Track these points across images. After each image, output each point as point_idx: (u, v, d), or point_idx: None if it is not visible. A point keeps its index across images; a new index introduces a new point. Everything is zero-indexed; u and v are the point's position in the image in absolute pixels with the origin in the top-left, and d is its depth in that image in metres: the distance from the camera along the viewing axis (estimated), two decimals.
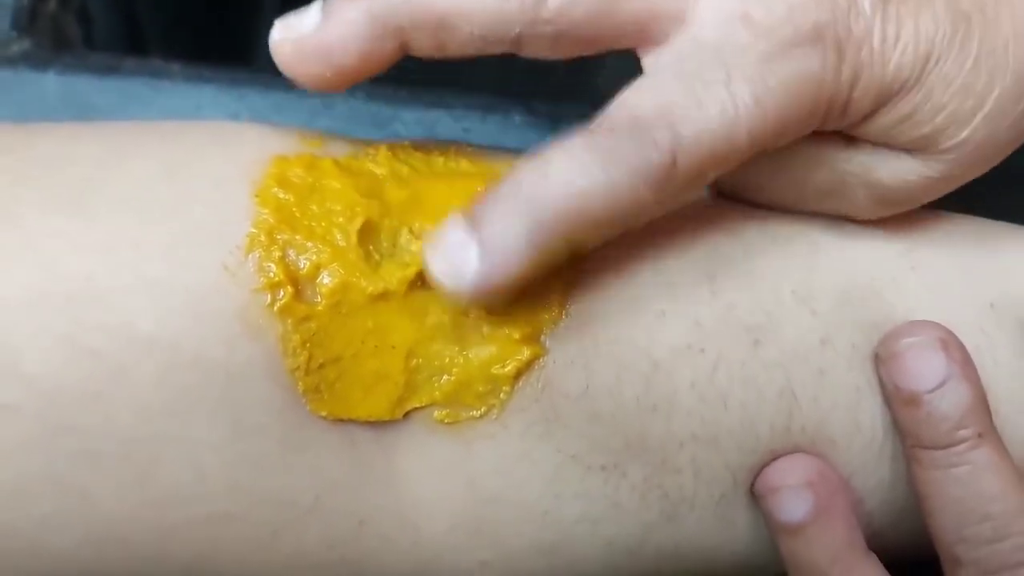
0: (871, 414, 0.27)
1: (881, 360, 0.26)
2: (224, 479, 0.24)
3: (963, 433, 0.25)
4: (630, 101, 0.24)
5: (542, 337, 0.25)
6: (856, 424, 0.27)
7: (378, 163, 0.26)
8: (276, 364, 0.24)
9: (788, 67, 0.24)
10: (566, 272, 0.26)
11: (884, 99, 0.25)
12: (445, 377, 0.25)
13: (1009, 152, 0.27)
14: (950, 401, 0.25)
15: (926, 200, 0.27)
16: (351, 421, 0.25)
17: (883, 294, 0.27)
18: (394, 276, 0.25)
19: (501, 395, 0.25)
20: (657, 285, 0.26)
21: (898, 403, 0.26)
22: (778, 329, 0.26)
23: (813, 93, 0.24)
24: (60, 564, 0.24)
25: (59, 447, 0.23)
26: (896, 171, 0.26)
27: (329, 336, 0.24)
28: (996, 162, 0.27)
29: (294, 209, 0.25)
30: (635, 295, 0.26)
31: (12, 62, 0.35)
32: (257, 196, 0.25)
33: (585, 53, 0.25)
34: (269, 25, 0.25)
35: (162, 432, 0.23)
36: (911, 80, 0.25)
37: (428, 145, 0.28)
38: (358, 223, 0.25)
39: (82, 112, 0.35)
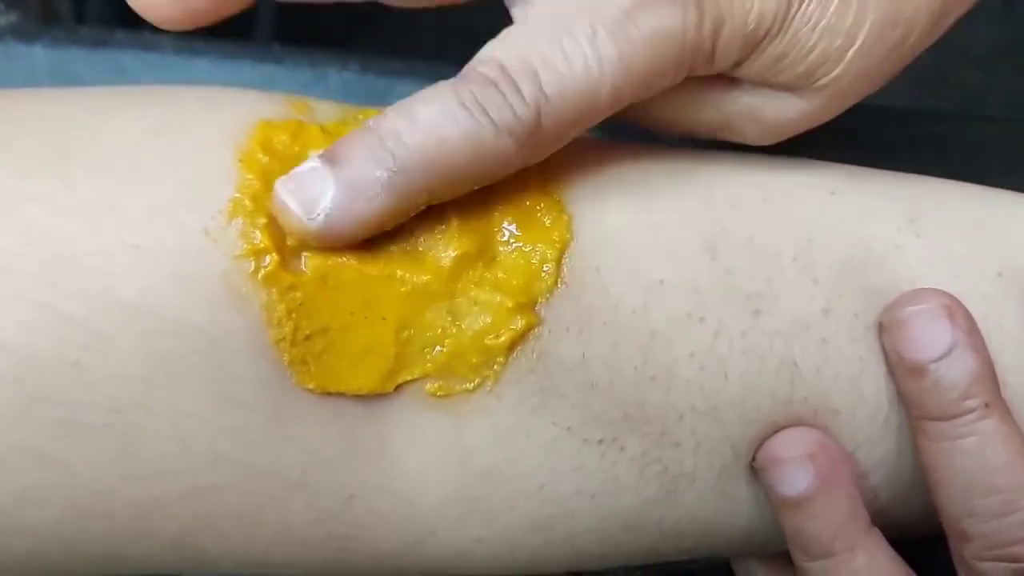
0: (875, 384, 0.26)
1: (885, 329, 0.26)
2: (209, 451, 0.23)
3: (970, 403, 0.25)
4: (498, 52, 0.24)
5: (537, 306, 0.25)
6: (860, 395, 0.26)
7: None
8: (260, 334, 0.23)
9: (649, 21, 0.24)
10: (560, 237, 0.25)
11: (751, 46, 0.25)
12: (437, 349, 0.24)
13: (893, 74, 0.27)
14: (956, 370, 0.25)
15: (812, 127, 0.28)
16: (339, 394, 0.24)
17: (887, 261, 0.27)
18: (383, 247, 0.24)
19: (495, 366, 0.25)
20: (656, 252, 0.25)
21: (903, 373, 0.25)
22: (779, 297, 0.26)
23: (676, 47, 0.24)
24: (41, 541, 0.24)
25: (38, 417, 0.22)
26: (778, 108, 0.27)
27: (316, 306, 0.24)
28: (880, 85, 0.28)
29: (279, 175, 0.24)
30: (634, 261, 0.25)
31: (0, 35, 0.34)
32: (242, 161, 0.24)
33: (444, 4, 0.26)
34: None
35: (144, 402, 0.23)
36: (775, 26, 0.25)
37: None
38: None
39: (71, 86, 0.34)
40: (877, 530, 0.26)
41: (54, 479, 0.23)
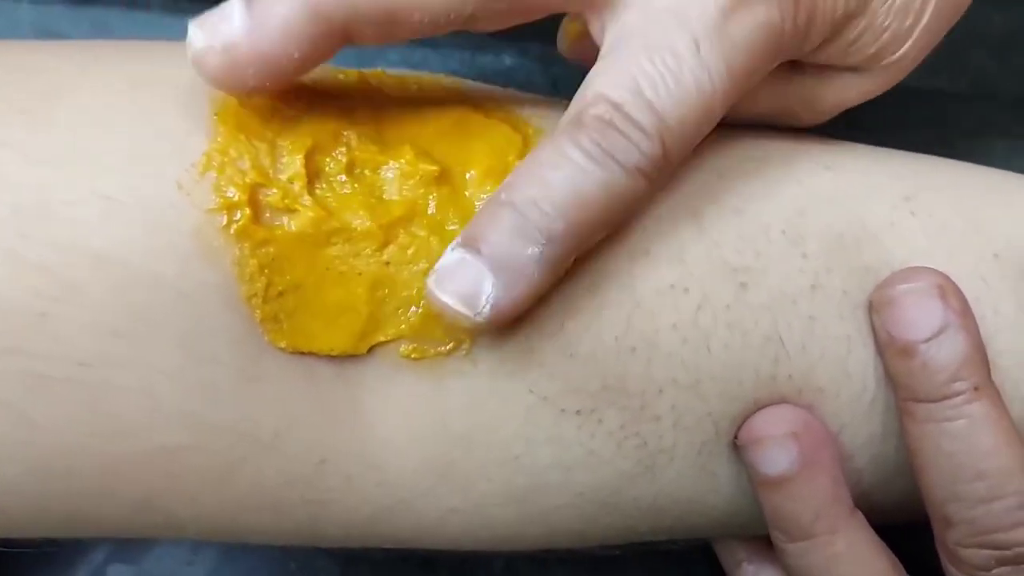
0: (862, 364, 0.25)
1: (875, 307, 0.25)
2: (177, 408, 0.23)
3: (959, 385, 0.24)
4: (603, 88, 0.23)
5: None
6: (846, 374, 0.25)
7: (348, 86, 0.25)
8: (232, 289, 0.23)
9: (748, 21, 0.23)
10: None
11: (835, 32, 0.25)
12: (413, 309, 0.24)
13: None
14: (946, 351, 0.24)
15: (858, 103, 0.28)
16: (312, 354, 0.23)
17: (880, 238, 0.26)
18: (360, 204, 0.24)
19: None
20: (641, 220, 0.25)
21: (891, 353, 0.25)
22: (766, 271, 0.25)
23: (775, 43, 0.24)
24: (3, 496, 0.23)
25: (4, 369, 0.22)
26: (839, 89, 0.27)
27: (290, 262, 0.23)
28: (926, 55, 0.28)
29: (256, 129, 0.23)
30: (618, 230, 0.25)
31: None
32: (218, 114, 0.23)
33: (535, 19, 0.25)
34: None
35: (113, 355, 0.22)
36: (858, 10, 0.25)
37: (404, 74, 0.26)
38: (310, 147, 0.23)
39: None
40: (860, 513, 0.25)
41: (18, 434, 0.22)
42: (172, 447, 0.23)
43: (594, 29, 0.25)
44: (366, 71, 0.26)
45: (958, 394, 0.24)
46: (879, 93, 0.28)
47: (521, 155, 0.25)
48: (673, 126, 0.22)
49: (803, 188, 0.26)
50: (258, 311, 0.23)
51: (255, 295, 0.23)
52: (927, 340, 0.24)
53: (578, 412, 0.25)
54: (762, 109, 0.28)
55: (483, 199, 0.24)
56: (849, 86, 0.27)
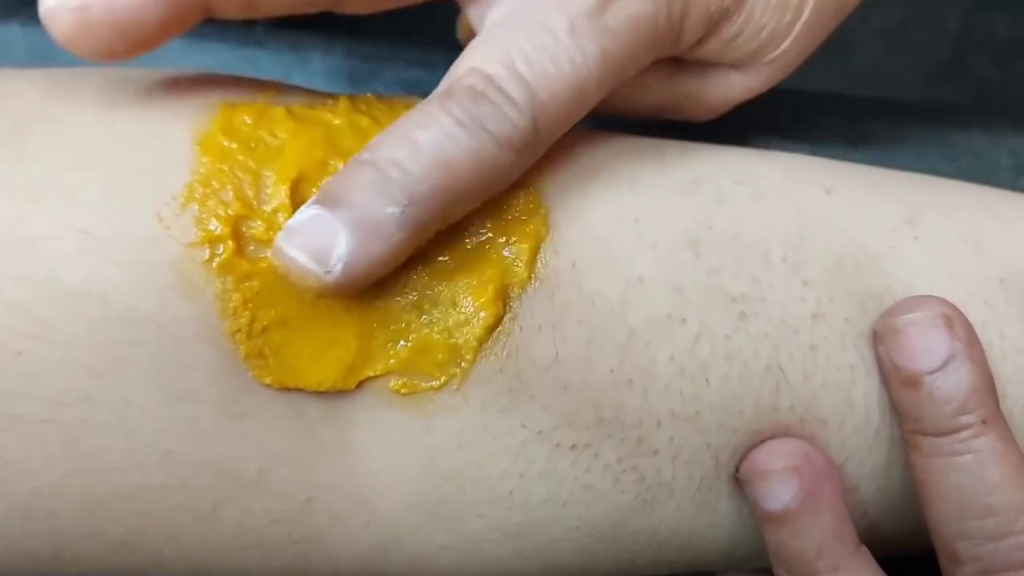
0: (866, 394, 0.25)
1: (879, 336, 0.24)
2: (157, 447, 0.22)
3: (966, 419, 0.23)
4: (478, 61, 0.22)
5: (508, 302, 0.23)
6: (850, 404, 0.25)
7: (336, 113, 0.24)
8: (213, 325, 0.22)
9: (623, 11, 0.23)
10: (535, 231, 0.24)
11: (711, 27, 0.26)
12: (402, 343, 0.23)
13: (823, 41, 0.28)
14: (953, 383, 0.23)
15: (744, 100, 0.29)
16: (298, 390, 0.23)
17: (882, 263, 0.25)
18: None
19: (462, 364, 0.23)
20: (637, 248, 0.24)
21: (896, 383, 0.24)
22: (766, 299, 0.24)
23: (649, 34, 0.24)
24: None
25: None
26: (724, 86, 0.28)
27: (275, 296, 0.22)
28: (811, 52, 0.29)
29: (239, 159, 0.23)
30: (612, 257, 0.24)
31: None
32: (200, 144, 0.23)
33: (401, 5, 0.25)
34: None
35: (89, 394, 0.22)
36: (734, 6, 0.25)
37: (394, 98, 0.26)
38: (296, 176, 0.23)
39: (47, 64, 0.33)
40: (865, 549, 0.24)
41: None
42: (153, 486, 0.22)
43: (473, 19, 0.25)
44: (356, 96, 0.25)
45: (965, 427, 0.23)
46: (765, 90, 0.28)
47: (512, 183, 0.24)
48: (545, 102, 0.22)
49: (803, 212, 0.25)
50: (242, 347, 0.22)
51: (239, 330, 0.22)
52: (933, 371, 0.23)
53: (573, 446, 0.24)
54: (651, 103, 0.28)
55: (473, 226, 0.24)
56: (733, 83, 0.28)
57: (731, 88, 0.28)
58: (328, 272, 0.21)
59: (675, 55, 0.26)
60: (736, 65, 0.27)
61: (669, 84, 0.28)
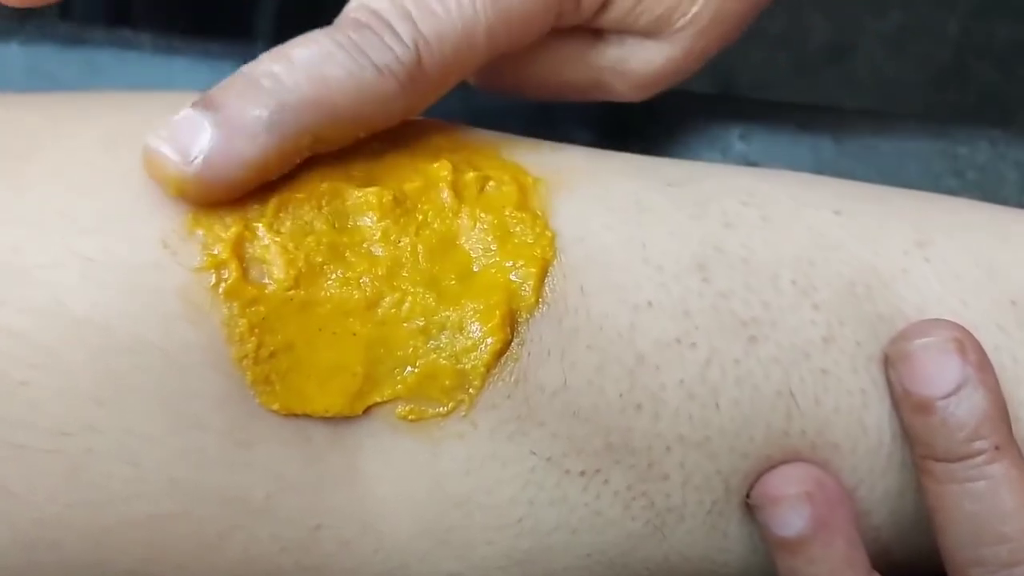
0: (878, 418, 0.24)
1: (891, 361, 0.24)
2: (163, 475, 0.22)
3: (980, 444, 0.23)
4: (367, 1, 0.23)
5: (516, 327, 0.23)
6: (861, 429, 0.24)
7: None
8: (219, 351, 0.22)
9: None
10: (543, 255, 0.23)
11: None
12: (409, 369, 0.23)
13: (752, 17, 0.29)
14: (966, 408, 0.23)
15: (681, 79, 0.29)
16: (305, 416, 0.23)
17: (893, 287, 0.25)
18: (355, 259, 0.23)
19: (470, 390, 0.23)
20: (645, 272, 0.24)
21: (908, 409, 0.24)
22: (776, 324, 0.24)
23: None
24: None
25: None
26: (643, 58, 0.28)
27: (281, 321, 0.22)
28: (742, 28, 0.29)
29: None
30: (620, 282, 0.24)
31: None
32: None
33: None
34: None
35: (94, 423, 0.21)
36: None
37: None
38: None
39: (47, 85, 0.33)
40: (877, 575, 0.24)
41: None
42: (159, 515, 0.22)
43: None
44: None
45: (979, 453, 0.23)
46: (692, 64, 0.28)
47: (519, 207, 0.24)
48: (430, 39, 0.23)
49: (813, 235, 0.25)
50: (249, 373, 0.22)
51: (246, 356, 0.22)
52: (945, 397, 0.23)
53: (582, 473, 0.24)
54: (570, 77, 0.29)
55: (479, 250, 0.23)
56: (652, 54, 0.28)
57: (651, 60, 0.28)
58: (188, 164, 0.21)
59: (582, 24, 0.27)
60: (648, 33, 0.27)
61: (588, 58, 0.28)
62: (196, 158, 0.21)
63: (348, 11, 0.23)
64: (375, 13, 0.23)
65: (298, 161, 0.23)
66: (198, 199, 0.22)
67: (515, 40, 0.25)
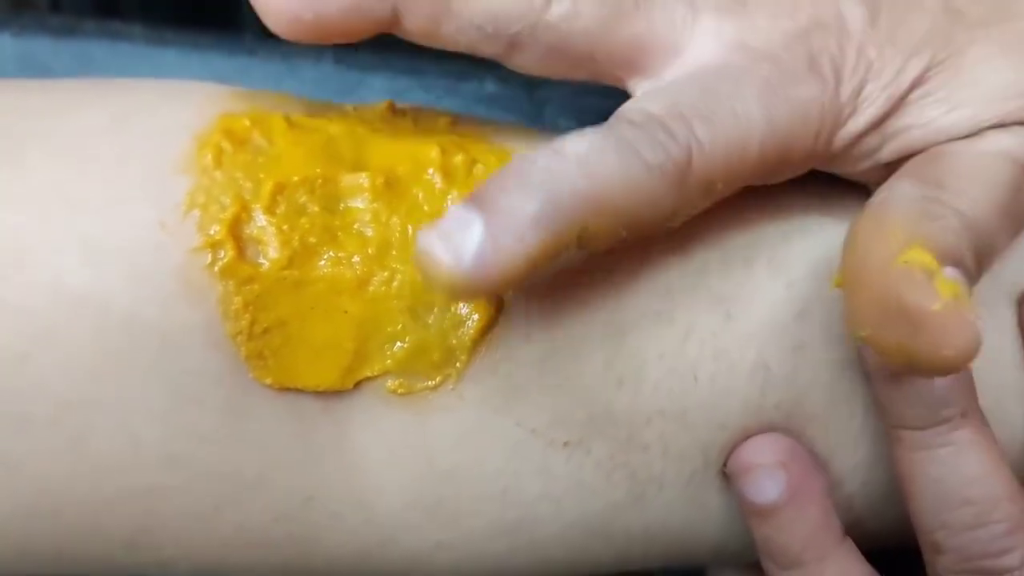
0: (850, 391, 0.25)
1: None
2: (161, 449, 0.23)
3: (947, 412, 0.24)
4: (644, 104, 0.22)
5: (502, 304, 0.24)
6: (834, 401, 0.25)
7: (335, 122, 0.25)
8: (216, 328, 0.23)
9: (791, 90, 0.23)
10: None
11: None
12: (398, 345, 0.24)
13: None
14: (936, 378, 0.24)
15: None
16: (298, 390, 0.23)
17: None
18: (345, 239, 0.23)
19: (458, 364, 0.24)
20: (626, 249, 0.25)
21: (880, 380, 0.25)
22: (752, 300, 0.25)
23: (817, 115, 0.23)
24: None
25: None
26: None
27: (274, 299, 0.23)
28: None
29: (239, 166, 0.23)
30: (603, 259, 0.25)
31: None
32: (200, 151, 0.23)
33: (569, 76, 0.24)
34: None
35: (94, 397, 0.22)
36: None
37: (399, 108, 0.26)
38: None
39: (39, 76, 0.33)
40: (850, 540, 0.25)
41: (1, 474, 0.22)
42: (156, 487, 0.23)
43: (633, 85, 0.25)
44: (360, 105, 0.26)
45: (946, 421, 0.24)
46: None
47: None
48: (704, 142, 0.22)
49: (787, 215, 0.26)
50: (243, 348, 0.23)
51: (240, 332, 0.23)
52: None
53: (566, 443, 0.24)
54: None
55: None
56: None
57: None
58: (459, 264, 0.20)
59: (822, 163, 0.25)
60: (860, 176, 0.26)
61: None
62: (465, 260, 0.20)
63: (623, 111, 0.23)
64: (650, 114, 0.22)
65: (564, 259, 0.22)
66: (467, 296, 0.22)
67: (782, 163, 0.24)
